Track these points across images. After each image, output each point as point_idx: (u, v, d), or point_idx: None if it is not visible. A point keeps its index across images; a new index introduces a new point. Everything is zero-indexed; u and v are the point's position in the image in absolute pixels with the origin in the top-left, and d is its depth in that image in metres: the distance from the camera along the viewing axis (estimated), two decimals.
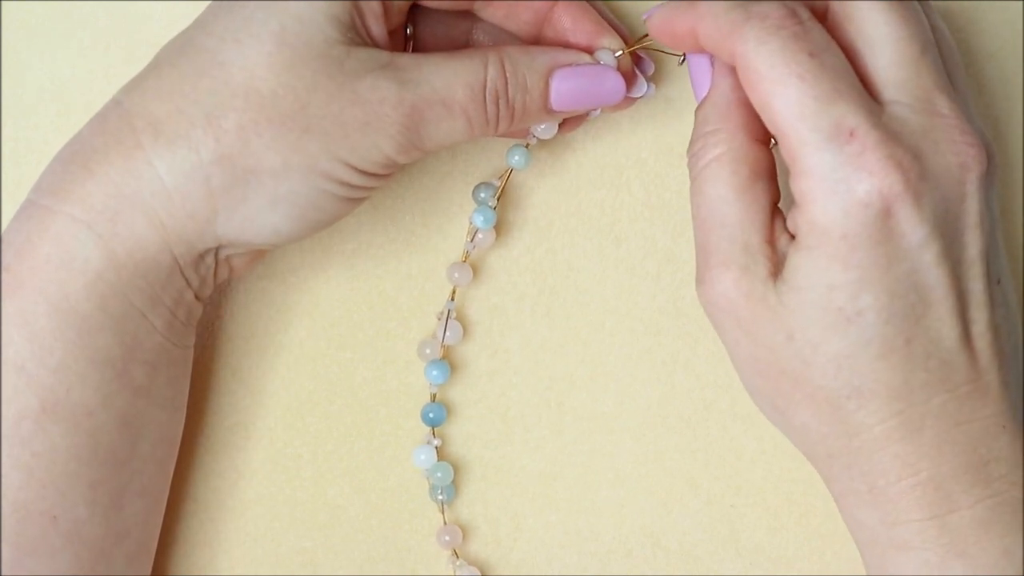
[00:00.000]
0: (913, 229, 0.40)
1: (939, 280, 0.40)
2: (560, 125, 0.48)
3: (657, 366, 0.50)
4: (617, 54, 0.46)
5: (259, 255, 0.46)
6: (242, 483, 0.50)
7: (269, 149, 0.41)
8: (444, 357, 0.50)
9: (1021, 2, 0.50)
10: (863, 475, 0.42)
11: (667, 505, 0.50)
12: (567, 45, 0.46)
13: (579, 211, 0.50)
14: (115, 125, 0.42)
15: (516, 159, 0.49)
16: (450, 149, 0.50)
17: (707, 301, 0.42)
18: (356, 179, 0.43)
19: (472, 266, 0.50)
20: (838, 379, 0.41)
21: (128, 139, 0.42)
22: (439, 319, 0.49)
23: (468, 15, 0.47)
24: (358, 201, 0.45)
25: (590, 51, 0.46)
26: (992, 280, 0.41)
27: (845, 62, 0.40)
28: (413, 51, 0.47)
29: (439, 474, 0.49)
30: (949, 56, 0.43)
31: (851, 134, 0.39)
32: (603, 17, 0.47)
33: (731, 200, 0.42)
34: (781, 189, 0.43)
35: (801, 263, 0.40)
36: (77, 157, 0.42)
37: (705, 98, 0.44)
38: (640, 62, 0.47)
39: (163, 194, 0.42)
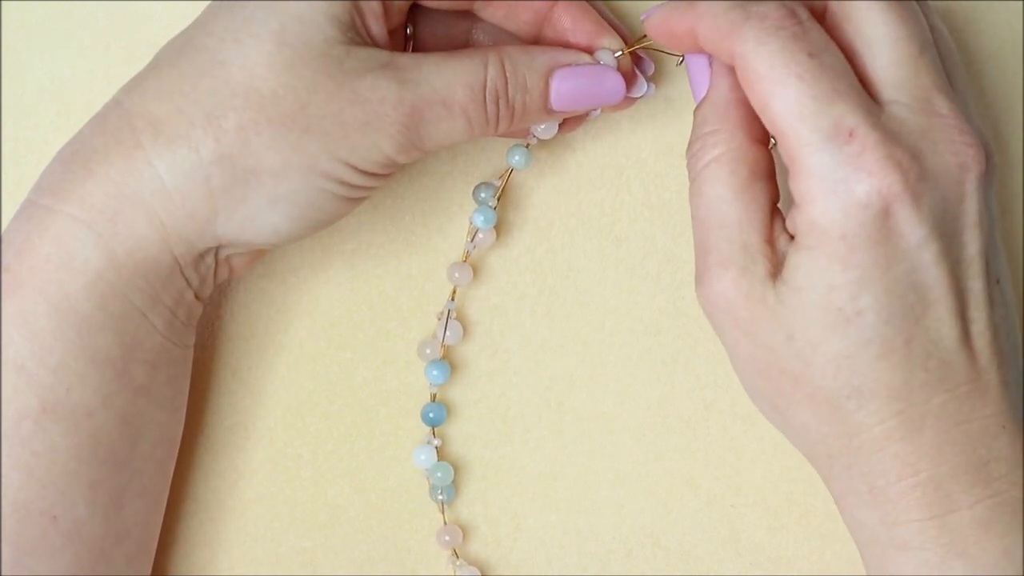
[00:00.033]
0: (912, 229, 0.40)
1: (938, 280, 0.40)
2: (560, 125, 0.48)
3: (657, 366, 0.50)
4: (617, 54, 0.46)
5: (259, 255, 0.46)
6: (242, 483, 0.50)
7: (269, 149, 0.41)
8: (444, 357, 0.50)
9: (1021, 2, 0.50)
10: (863, 475, 0.41)
11: (667, 505, 0.50)
12: (567, 45, 0.46)
13: (579, 211, 0.50)
14: (115, 125, 0.42)
15: (516, 159, 0.49)
16: (450, 149, 0.50)
17: (706, 301, 0.42)
18: (356, 179, 0.43)
19: (472, 266, 0.50)
20: (838, 379, 0.41)
21: (128, 139, 0.42)
22: (439, 319, 0.49)
23: (468, 15, 0.47)
24: (358, 201, 0.45)
25: (590, 51, 0.46)
26: (991, 280, 0.41)
27: (844, 62, 0.40)
28: (413, 51, 0.47)
29: (439, 474, 0.49)
30: (948, 56, 0.43)
31: (850, 134, 0.39)
32: (603, 17, 0.47)
33: (730, 200, 0.42)
34: (781, 189, 0.43)
35: (800, 263, 0.40)
36: (77, 157, 0.42)
37: (704, 98, 0.44)
38: (640, 62, 0.47)
39: (163, 194, 0.42)
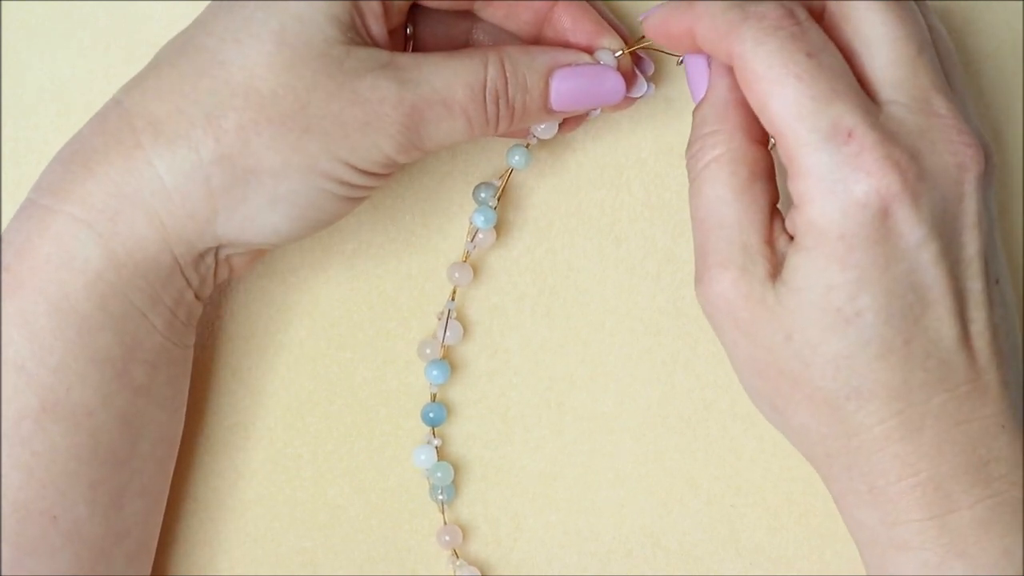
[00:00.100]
0: (911, 229, 0.40)
1: (937, 280, 0.40)
2: (560, 125, 0.48)
3: (657, 366, 0.50)
4: (617, 54, 0.46)
5: (259, 255, 0.46)
6: (242, 483, 0.50)
7: (269, 149, 0.41)
8: (444, 357, 0.50)
9: (1020, 1, 0.50)
10: (863, 475, 0.41)
11: (667, 505, 0.50)
12: (567, 45, 0.46)
13: (579, 211, 0.50)
14: (115, 125, 0.42)
15: (516, 159, 0.49)
16: (450, 149, 0.50)
17: (706, 302, 0.42)
18: (356, 179, 0.43)
19: (472, 266, 0.50)
20: (837, 380, 0.41)
21: (128, 139, 0.42)
22: (439, 319, 0.49)
23: (468, 15, 0.47)
24: (358, 201, 0.45)
25: (590, 51, 0.46)
26: (990, 279, 0.41)
27: (843, 62, 0.40)
28: (413, 51, 0.47)
29: (439, 474, 0.49)
30: (946, 56, 0.43)
31: (849, 134, 0.39)
32: (603, 17, 0.47)
33: (730, 201, 0.42)
34: (780, 190, 0.43)
35: (799, 264, 0.40)
36: (77, 157, 0.42)
37: (703, 99, 0.44)
38: (640, 62, 0.47)
39: (163, 194, 0.42)
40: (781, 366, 0.41)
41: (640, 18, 0.45)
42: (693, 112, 0.44)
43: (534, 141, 0.48)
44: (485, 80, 0.43)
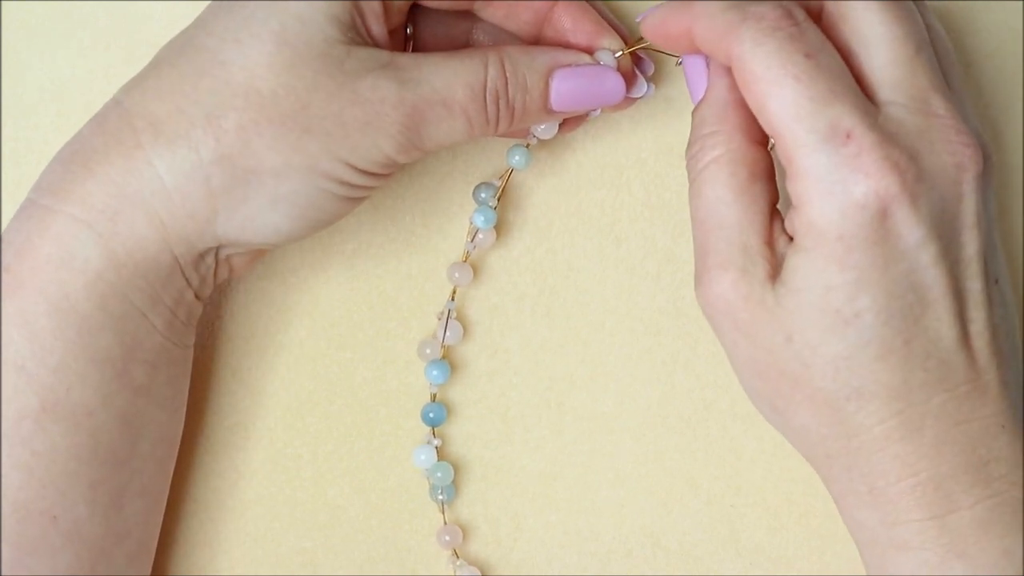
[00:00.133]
0: (910, 230, 0.40)
1: (937, 280, 0.40)
2: (560, 125, 0.48)
3: (657, 366, 0.50)
4: (617, 54, 0.46)
5: (259, 255, 0.46)
6: (242, 483, 0.50)
7: (270, 149, 0.41)
8: (444, 357, 0.50)
9: (1020, 1, 0.50)
10: (863, 476, 0.41)
11: (667, 505, 0.50)
12: (567, 45, 0.46)
13: (579, 211, 0.50)
14: (115, 125, 0.42)
15: (516, 159, 0.49)
16: (450, 149, 0.50)
17: (705, 303, 0.42)
18: (356, 179, 0.43)
19: (472, 266, 0.50)
20: (837, 380, 0.41)
21: (128, 139, 0.42)
22: (439, 319, 0.49)
23: (468, 15, 0.47)
24: (358, 201, 0.45)
25: (590, 51, 0.46)
26: (990, 280, 0.41)
27: (841, 63, 0.40)
28: (413, 51, 0.47)
29: (439, 474, 0.49)
30: (944, 56, 0.43)
31: (847, 136, 0.39)
32: (603, 17, 0.47)
33: (730, 201, 0.42)
34: (780, 190, 0.43)
35: (799, 265, 0.40)
36: (77, 157, 0.42)
37: (702, 100, 0.44)
38: (640, 62, 0.47)
39: (163, 194, 0.42)
40: (781, 367, 0.41)
41: (638, 19, 0.45)
42: (692, 113, 0.44)
43: (534, 141, 0.48)
44: (485, 80, 0.43)
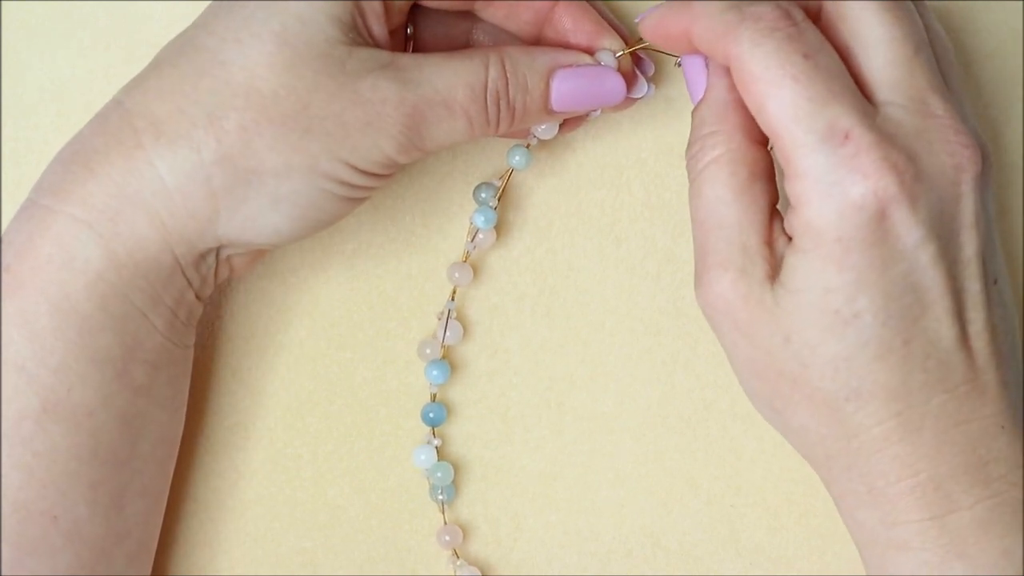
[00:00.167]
0: (909, 231, 0.40)
1: (936, 281, 0.40)
2: (560, 125, 0.48)
3: (657, 366, 0.50)
4: (618, 55, 0.46)
5: (259, 255, 0.46)
6: (242, 483, 0.50)
7: (270, 149, 0.41)
8: (444, 357, 0.50)
9: (1020, 1, 0.50)
10: (862, 476, 0.42)
11: (667, 505, 0.50)
12: (567, 46, 0.46)
13: (579, 211, 0.50)
14: (116, 125, 0.42)
15: (517, 159, 0.49)
16: (450, 149, 0.50)
17: (705, 303, 0.42)
18: (357, 179, 0.43)
19: (472, 266, 0.50)
20: (836, 381, 0.41)
21: (129, 139, 0.42)
22: (439, 319, 0.49)
23: (468, 15, 0.47)
24: (359, 201, 0.45)
25: (591, 52, 0.46)
26: (989, 280, 0.41)
27: (839, 63, 0.40)
28: (414, 51, 0.47)
29: (439, 474, 0.49)
30: (943, 56, 0.43)
31: (846, 136, 0.39)
32: (603, 18, 0.47)
33: (729, 201, 0.42)
34: (780, 191, 0.43)
35: (797, 265, 0.40)
36: (78, 157, 0.42)
37: (702, 100, 0.44)
38: (640, 63, 0.47)
39: (164, 194, 0.42)
40: (780, 367, 0.41)
41: (637, 19, 0.45)
42: (692, 113, 0.44)
43: (534, 141, 0.48)
44: (486, 81, 0.43)
